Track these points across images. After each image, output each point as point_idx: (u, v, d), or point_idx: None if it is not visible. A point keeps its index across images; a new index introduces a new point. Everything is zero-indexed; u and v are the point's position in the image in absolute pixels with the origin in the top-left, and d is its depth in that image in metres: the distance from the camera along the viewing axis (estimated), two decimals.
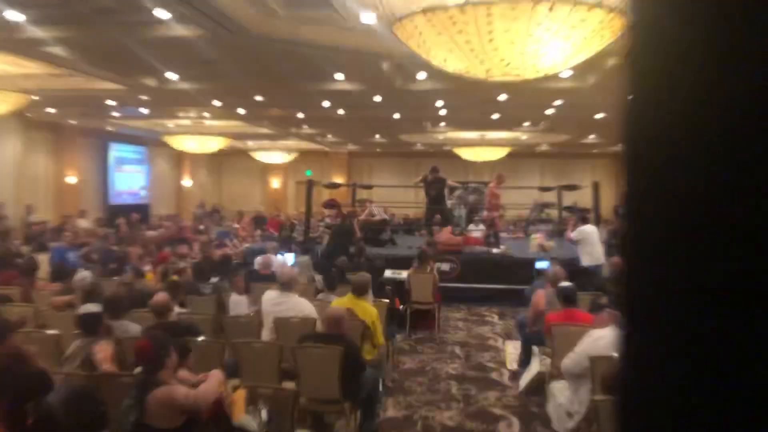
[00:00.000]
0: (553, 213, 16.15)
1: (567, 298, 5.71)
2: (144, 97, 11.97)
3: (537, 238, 11.88)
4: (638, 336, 0.49)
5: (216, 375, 3.65)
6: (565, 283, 5.97)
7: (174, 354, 3.46)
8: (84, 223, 14.95)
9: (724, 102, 0.44)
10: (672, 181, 0.45)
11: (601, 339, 4.47)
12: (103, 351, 4.14)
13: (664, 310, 0.47)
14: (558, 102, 11.85)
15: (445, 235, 11.29)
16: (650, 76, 0.47)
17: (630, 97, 0.49)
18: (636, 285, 0.49)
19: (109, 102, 12.68)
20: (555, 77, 8.60)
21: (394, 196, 18.54)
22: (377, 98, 11.52)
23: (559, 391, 4.88)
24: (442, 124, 16.13)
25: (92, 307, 4.58)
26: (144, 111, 14.09)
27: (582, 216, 10.37)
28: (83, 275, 6.98)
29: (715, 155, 0.44)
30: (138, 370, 3.50)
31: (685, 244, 0.45)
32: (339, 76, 9.91)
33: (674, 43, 0.46)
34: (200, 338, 4.96)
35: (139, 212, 17.59)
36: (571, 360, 4.65)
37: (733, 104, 0.43)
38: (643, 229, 0.48)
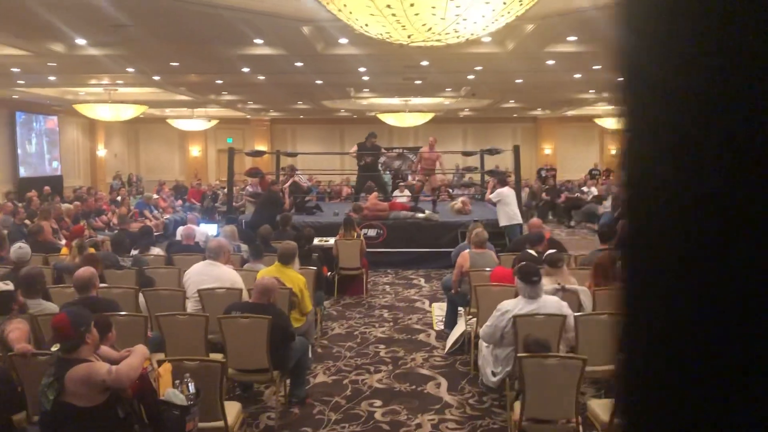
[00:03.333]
0: (476, 177, 16.42)
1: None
2: (52, 64, 11.33)
3: (456, 203, 12.19)
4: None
5: (140, 350, 3.56)
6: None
7: (94, 330, 3.35)
8: None
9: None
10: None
11: (508, 312, 4.54)
12: (16, 330, 3.96)
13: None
14: (478, 67, 11.96)
15: (371, 201, 11.32)
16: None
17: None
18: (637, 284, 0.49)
19: (14, 69, 11.92)
20: (475, 43, 8.66)
21: (319, 163, 18.43)
22: (299, 63, 11.32)
23: (486, 348, 5.01)
24: (366, 90, 16.03)
25: (2, 285, 4.36)
26: (52, 78, 13.34)
27: (500, 178, 10.64)
28: (22, 246, 6.41)
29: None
30: (56, 347, 3.37)
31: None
32: (258, 40, 9.65)
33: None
34: (122, 313, 4.82)
35: (51, 185, 16.84)
36: (484, 332, 4.77)
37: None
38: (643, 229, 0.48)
